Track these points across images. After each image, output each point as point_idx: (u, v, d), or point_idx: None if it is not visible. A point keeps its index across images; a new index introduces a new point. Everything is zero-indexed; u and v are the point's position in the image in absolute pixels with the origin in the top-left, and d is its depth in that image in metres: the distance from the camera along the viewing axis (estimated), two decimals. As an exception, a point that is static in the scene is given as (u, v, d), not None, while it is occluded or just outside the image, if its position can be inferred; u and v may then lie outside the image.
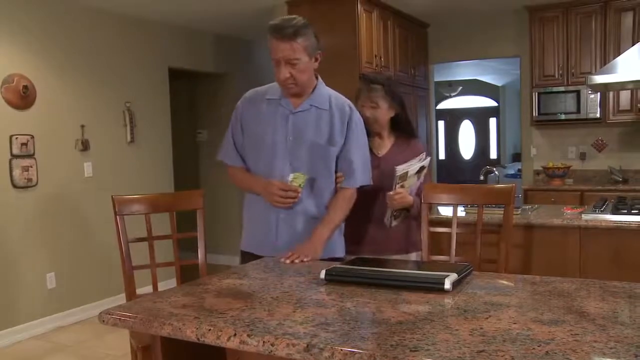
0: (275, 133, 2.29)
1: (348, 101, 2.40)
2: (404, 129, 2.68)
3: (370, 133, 2.61)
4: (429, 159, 2.49)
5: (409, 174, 2.41)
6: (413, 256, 2.67)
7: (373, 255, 2.38)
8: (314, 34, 2.21)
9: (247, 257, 2.36)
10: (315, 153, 2.29)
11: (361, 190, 2.40)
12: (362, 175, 2.37)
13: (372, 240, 2.58)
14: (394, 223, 2.54)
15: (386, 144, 2.68)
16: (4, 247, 4.39)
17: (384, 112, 2.59)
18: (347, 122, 2.34)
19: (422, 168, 2.47)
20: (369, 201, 2.55)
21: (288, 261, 2.13)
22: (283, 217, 2.29)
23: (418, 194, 2.60)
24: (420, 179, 2.54)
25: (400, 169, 2.36)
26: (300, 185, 2.19)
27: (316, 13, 5.03)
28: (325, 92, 2.36)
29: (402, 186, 2.41)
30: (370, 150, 2.58)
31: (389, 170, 2.50)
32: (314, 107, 2.31)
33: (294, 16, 2.23)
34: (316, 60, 2.26)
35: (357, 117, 2.38)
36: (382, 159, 2.64)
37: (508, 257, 2.56)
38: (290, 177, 2.19)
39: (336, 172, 2.35)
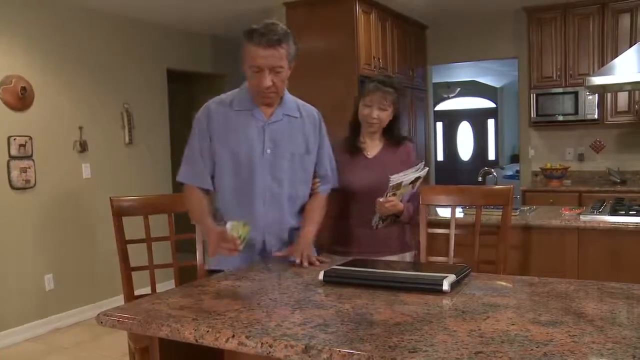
0: (252, 147, 2.19)
1: (313, 107, 2.40)
2: (395, 132, 2.66)
3: (363, 133, 2.61)
4: (426, 169, 2.44)
5: (403, 184, 2.38)
6: (407, 257, 2.66)
7: (362, 256, 2.36)
8: (294, 41, 2.15)
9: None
10: (295, 163, 2.26)
11: (351, 192, 2.51)
12: (333, 179, 2.42)
13: (362, 241, 2.55)
14: (381, 225, 2.51)
15: (376, 146, 2.65)
16: (2, 249, 4.38)
17: (388, 115, 2.58)
18: (319, 129, 2.35)
19: (417, 178, 2.45)
20: (359, 202, 2.54)
21: (306, 263, 2.12)
22: (268, 232, 2.25)
23: (411, 199, 2.58)
24: (414, 188, 2.51)
25: (394, 179, 2.33)
26: (240, 236, 1.96)
27: (314, 14, 5.04)
28: (292, 99, 2.33)
29: (394, 194, 2.38)
30: (360, 150, 2.61)
31: (379, 171, 2.51)
32: (286, 116, 2.25)
33: (273, 21, 2.16)
34: (290, 68, 2.19)
35: (323, 122, 2.40)
36: (372, 160, 2.61)
37: (506, 259, 2.56)
38: (228, 225, 1.98)
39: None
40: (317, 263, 2.13)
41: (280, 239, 2.28)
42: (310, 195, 2.35)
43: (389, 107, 2.55)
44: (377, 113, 2.53)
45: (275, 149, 2.21)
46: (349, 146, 2.62)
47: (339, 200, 2.55)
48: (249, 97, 2.23)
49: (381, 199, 2.37)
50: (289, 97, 2.31)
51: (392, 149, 2.64)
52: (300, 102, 2.36)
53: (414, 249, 2.69)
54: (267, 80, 2.10)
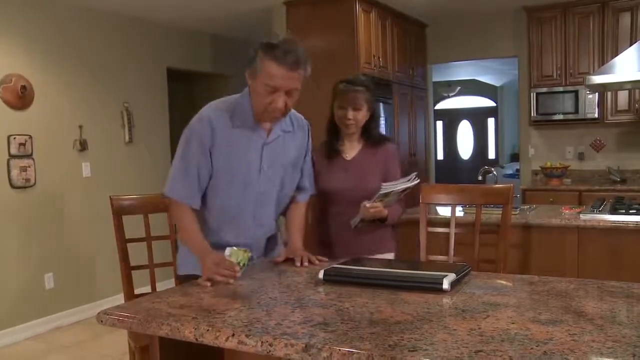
0: (250, 166, 2.12)
1: (302, 117, 2.33)
2: (373, 132, 2.61)
3: (342, 136, 2.58)
4: (417, 181, 2.39)
5: (392, 193, 2.34)
6: (388, 257, 2.62)
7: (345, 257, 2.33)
8: (309, 63, 2.05)
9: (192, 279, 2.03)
10: (286, 176, 2.24)
11: (330, 195, 2.51)
12: (312, 188, 2.41)
13: (342, 243, 2.51)
14: (359, 226, 2.47)
15: (355, 147, 2.60)
16: (2, 248, 4.38)
17: (364, 115, 2.53)
18: (307, 141, 2.34)
19: (407, 189, 2.39)
20: (338, 205, 2.52)
21: (306, 263, 2.12)
22: (254, 243, 2.20)
23: (397, 202, 2.53)
24: (402, 196, 2.47)
25: (385, 187, 2.30)
26: (239, 262, 1.91)
27: (315, 13, 5.04)
28: None
29: (381, 201, 2.35)
30: (338, 153, 2.58)
31: (356, 173, 2.51)
32: (282, 132, 2.19)
33: (291, 37, 2.05)
34: None
35: (311, 133, 2.38)
36: (350, 162, 2.57)
37: (506, 257, 2.56)
38: (227, 251, 1.93)
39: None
40: (317, 262, 2.14)
41: (260, 247, 2.28)
42: (290, 202, 2.34)
43: (363, 106, 2.51)
44: (352, 113, 2.49)
45: (271, 166, 2.16)
46: (327, 149, 2.59)
47: (319, 204, 2.55)
48: (251, 111, 2.10)
49: (367, 204, 2.34)
50: None
51: (371, 150, 2.59)
52: (293, 113, 2.26)
53: (394, 250, 2.65)
54: (281, 102, 2.00)
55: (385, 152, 2.60)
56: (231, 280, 1.86)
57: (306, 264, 2.12)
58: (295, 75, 1.98)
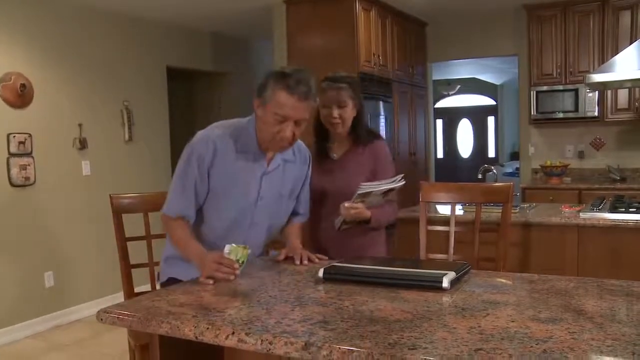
0: (247, 194, 2.12)
1: (305, 146, 2.34)
2: (359, 130, 2.51)
3: (331, 137, 2.52)
4: (402, 183, 2.31)
5: (372, 193, 2.27)
6: None
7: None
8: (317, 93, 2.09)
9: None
10: (279, 205, 2.25)
11: (318, 195, 2.46)
12: (307, 214, 2.42)
13: (332, 245, 2.45)
14: (344, 227, 2.41)
15: (343, 147, 2.53)
16: (2, 246, 4.38)
17: (350, 112, 2.45)
18: (307, 170, 2.34)
19: (391, 189, 2.32)
20: (326, 206, 2.47)
21: (305, 261, 2.13)
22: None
23: (386, 205, 2.46)
24: (388, 197, 2.39)
25: (364, 187, 2.24)
26: (238, 259, 1.92)
27: (315, 12, 5.04)
28: None
29: (362, 201, 2.28)
30: (327, 154, 2.53)
31: (342, 173, 2.46)
32: (283, 161, 2.19)
33: (303, 68, 2.05)
34: None
35: (311, 162, 2.37)
36: (337, 163, 2.51)
37: (506, 256, 2.56)
38: (227, 249, 1.93)
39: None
40: (317, 260, 2.14)
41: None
42: (285, 223, 2.36)
43: (348, 102, 2.42)
44: (337, 111, 2.41)
45: (267, 195, 2.16)
46: (316, 150, 2.52)
47: (311, 206, 2.47)
48: (255, 139, 2.10)
49: (346, 204, 2.28)
50: None
51: (359, 149, 2.51)
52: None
53: (387, 255, 2.63)
54: (289, 132, 2.00)
55: (372, 150, 2.51)
56: (231, 277, 1.87)
57: (306, 262, 2.12)
58: (305, 105, 1.99)
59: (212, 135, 2.09)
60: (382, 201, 2.38)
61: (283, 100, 1.95)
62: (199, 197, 2.10)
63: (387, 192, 2.33)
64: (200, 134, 2.12)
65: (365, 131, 2.54)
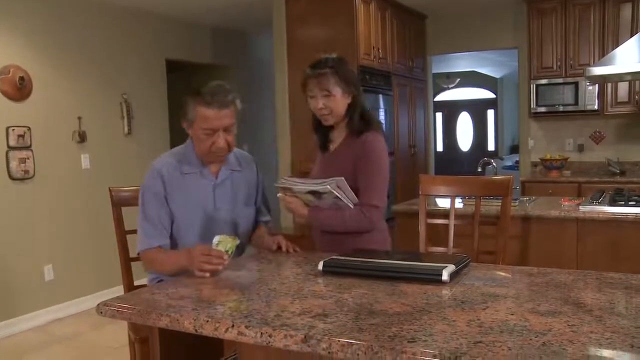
0: (205, 207, 2.22)
1: (248, 154, 2.46)
2: (354, 120, 2.27)
3: (325, 128, 2.35)
4: (330, 189, 2.08)
5: (294, 190, 2.17)
6: None
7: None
8: (240, 98, 2.18)
9: None
10: (240, 217, 2.30)
11: None
12: (269, 217, 2.49)
13: (324, 243, 2.34)
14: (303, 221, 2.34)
15: (339, 137, 2.34)
16: (2, 240, 4.38)
17: (339, 100, 2.23)
18: (257, 177, 2.41)
19: (321, 193, 2.12)
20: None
21: (292, 250, 2.21)
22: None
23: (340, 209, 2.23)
24: (329, 201, 2.17)
25: (282, 182, 2.20)
26: (227, 250, 1.93)
27: (314, 4, 5.03)
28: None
29: (294, 196, 2.20)
30: (327, 145, 2.39)
31: (333, 166, 2.27)
32: (230, 172, 2.29)
33: (218, 82, 2.15)
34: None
35: (259, 168, 2.45)
36: (331, 155, 2.35)
37: (505, 249, 2.57)
38: (215, 240, 1.95)
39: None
40: (292, 251, 2.22)
41: None
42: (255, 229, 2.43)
43: (335, 90, 2.20)
44: (323, 101, 2.22)
45: (223, 208, 2.25)
46: (319, 144, 2.41)
47: None
48: (196, 157, 2.23)
49: (279, 194, 2.24)
50: None
51: (352, 141, 2.28)
52: (238, 152, 2.38)
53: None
54: (222, 141, 2.13)
55: (361, 143, 2.25)
56: (220, 268, 1.88)
57: (284, 249, 2.22)
58: (227, 112, 2.11)
59: (156, 167, 2.23)
60: (331, 204, 2.18)
61: (205, 115, 2.09)
62: (165, 223, 2.19)
63: (322, 195, 2.13)
64: (146, 174, 2.25)
65: (361, 121, 2.28)
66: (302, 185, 2.18)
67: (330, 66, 2.23)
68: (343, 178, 2.12)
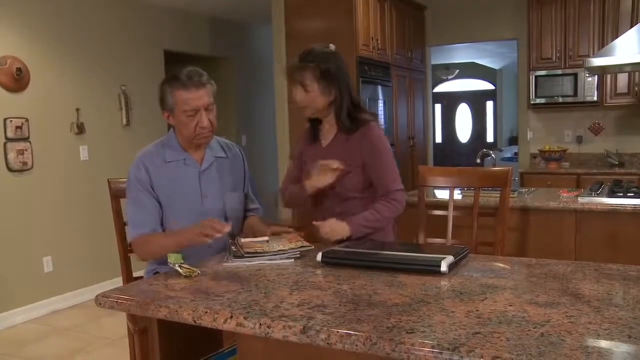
0: (192, 194, 2.23)
1: (235, 144, 2.47)
2: (342, 115, 2.23)
3: (315, 120, 2.33)
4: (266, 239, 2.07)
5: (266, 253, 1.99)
6: None
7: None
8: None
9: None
10: (230, 204, 2.31)
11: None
12: (261, 207, 2.49)
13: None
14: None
15: (330, 133, 2.30)
16: (0, 231, 4.38)
17: (316, 96, 2.19)
18: (243, 167, 2.42)
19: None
20: (315, 195, 2.31)
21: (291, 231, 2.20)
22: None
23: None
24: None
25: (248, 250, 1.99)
26: (176, 262, 1.84)
27: (313, -5, 5.00)
28: (214, 139, 2.34)
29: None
30: (318, 139, 2.37)
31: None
32: (215, 158, 2.31)
33: (191, 67, 2.18)
34: None
35: (246, 159, 2.47)
36: (324, 150, 2.31)
37: (504, 240, 2.57)
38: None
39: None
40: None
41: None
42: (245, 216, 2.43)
43: (312, 86, 2.17)
44: (300, 95, 2.20)
45: (211, 195, 2.26)
46: (309, 135, 2.40)
47: (310, 198, 2.35)
48: (179, 145, 2.25)
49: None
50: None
51: (346, 136, 2.26)
52: (222, 140, 2.41)
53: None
54: (205, 120, 2.15)
55: (361, 140, 2.24)
56: (226, 230, 1.96)
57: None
58: (205, 91, 2.15)
59: (139, 157, 2.26)
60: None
61: (184, 97, 2.12)
62: (155, 213, 2.19)
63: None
64: (130, 166, 2.26)
65: (350, 121, 2.25)
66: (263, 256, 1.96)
67: (313, 60, 2.19)
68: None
